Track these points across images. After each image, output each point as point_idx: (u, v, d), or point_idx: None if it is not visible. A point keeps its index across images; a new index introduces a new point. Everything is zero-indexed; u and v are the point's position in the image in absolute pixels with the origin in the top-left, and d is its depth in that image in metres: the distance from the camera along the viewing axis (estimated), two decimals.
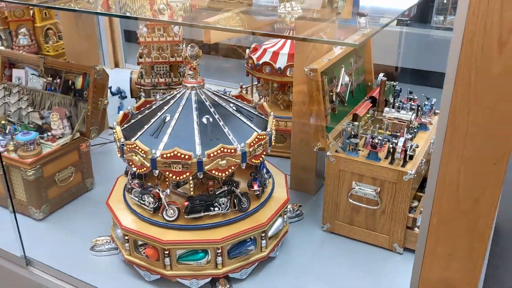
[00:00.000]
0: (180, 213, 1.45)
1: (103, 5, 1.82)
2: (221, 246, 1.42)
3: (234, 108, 1.55)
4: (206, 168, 1.36)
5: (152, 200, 1.46)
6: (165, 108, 1.49)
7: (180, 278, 1.46)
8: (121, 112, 1.62)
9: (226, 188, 1.48)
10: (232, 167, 1.39)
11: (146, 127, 1.46)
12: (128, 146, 1.38)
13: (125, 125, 1.52)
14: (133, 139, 1.41)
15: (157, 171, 1.37)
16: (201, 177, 1.40)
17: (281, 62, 2.14)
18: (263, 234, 1.49)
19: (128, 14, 1.79)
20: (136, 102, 2.45)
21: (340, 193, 1.64)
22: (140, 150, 1.36)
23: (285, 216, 1.62)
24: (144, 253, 1.45)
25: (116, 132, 1.45)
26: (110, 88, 2.94)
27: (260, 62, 2.18)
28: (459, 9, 0.69)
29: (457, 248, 0.82)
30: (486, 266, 2.05)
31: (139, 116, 1.54)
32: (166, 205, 1.44)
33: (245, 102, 1.66)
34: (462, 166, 0.77)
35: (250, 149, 1.40)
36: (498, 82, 0.69)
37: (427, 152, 1.68)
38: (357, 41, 1.04)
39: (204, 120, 1.46)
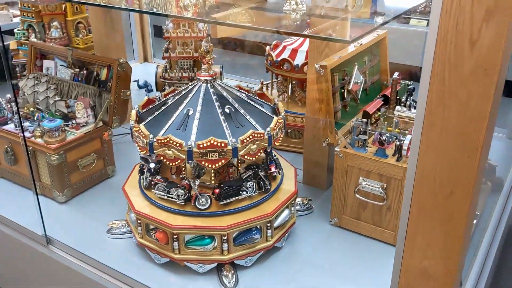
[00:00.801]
0: (212, 201, 1.52)
1: (127, 0, 1.91)
2: (227, 233, 1.48)
3: (246, 98, 1.61)
4: (240, 153, 1.44)
5: (182, 192, 1.52)
6: (185, 102, 1.56)
7: (188, 262, 1.53)
8: (146, 97, 1.71)
9: (251, 172, 1.55)
10: (261, 151, 1.47)
11: (170, 122, 1.51)
12: (160, 141, 1.44)
13: (143, 123, 1.59)
14: (161, 134, 1.47)
15: (192, 162, 1.44)
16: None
17: (299, 59, 2.18)
18: (268, 224, 1.55)
19: (154, 10, 1.88)
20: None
21: (347, 188, 1.68)
22: (174, 143, 1.42)
23: (292, 208, 1.66)
24: (154, 236, 1.53)
25: (140, 130, 1.50)
26: (138, 81, 3.06)
27: (279, 59, 2.23)
28: (433, 7, 0.72)
29: (434, 238, 0.86)
30: (498, 266, 2.04)
31: (155, 113, 1.59)
32: (198, 194, 1.51)
33: (246, 92, 1.72)
34: (438, 159, 0.80)
35: (274, 133, 1.48)
36: (470, 79, 0.72)
37: None
38: (352, 37, 1.07)
39: (227, 110, 1.52)
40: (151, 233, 1.55)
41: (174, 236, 1.49)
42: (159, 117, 1.55)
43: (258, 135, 1.47)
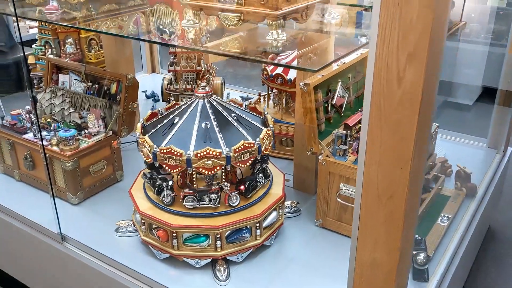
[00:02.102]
0: (240, 198, 1.74)
1: (134, 22, 2.12)
2: (220, 232, 1.68)
3: (239, 111, 1.81)
4: (233, 161, 1.64)
5: (215, 195, 1.71)
6: (184, 116, 1.74)
7: (185, 257, 1.72)
8: (149, 111, 1.92)
9: (259, 166, 1.78)
10: (251, 159, 1.68)
11: (171, 133, 1.70)
12: (162, 151, 1.63)
13: (147, 135, 1.77)
14: (163, 145, 1.66)
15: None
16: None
17: (292, 74, 2.37)
18: (257, 225, 1.74)
19: (161, 27, 2.09)
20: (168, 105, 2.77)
21: (330, 193, 1.86)
22: (175, 152, 1.61)
23: (280, 211, 1.85)
24: (156, 234, 1.73)
25: (145, 141, 1.69)
26: (145, 91, 3.28)
27: (274, 74, 2.43)
28: (370, 49, 0.91)
29: (379, 234, 1.04)
30: (477, 270, 2.21)
31: (158, 126, 1.78)
32: (230, 194, 1.72)
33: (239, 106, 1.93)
34: (379, 170, 0.99)
35: (263, 143, 1.69)
36: (398, 107, 0.91)
37: None
38: (317, 66, 1.27)
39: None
40: (154, 232, 1.75)
41: (174, 234, 1.69)
42: (162, 129, 1.75)
43: (249, 145, 1.67)
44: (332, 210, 1.89)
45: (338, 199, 1.83)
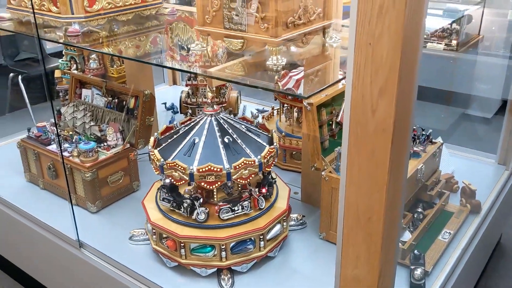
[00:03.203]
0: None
1: (152, 41, 2.25)
2: (225, 243, 1.77)
3: (245, 129, 1.91)
4: (233, 177, 1.74)
5: (247, 203, 1.83)
6: (192, 132, 1.85)
7: (193, 266, 1.82)
8: (164, 126, 2.03)
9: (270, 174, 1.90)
10: (252, 175, 1.78)
11: (179, 148, 1.80)
12: (168, 164, 1.74)
13: (158, 149, 1.88)
14: (170, 159, 1.77)
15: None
16: None
17: (302, 88, 2.45)
18: (261, 237, 1.82)
19: (179, 43, 2.21)
20: (185, 117, 2.90)
21: (333, 207, 1.93)
22: (179, 167, 1.72)
23: (284, 223, 1.93)
24: (165, 244, 1.84)
25: (155, 154, 1.79)
26: (165, 103, 3.40)
27: (285, 88, 2.51)
28: (347, 82, 0.99)
29: (360, 252, 1.12)
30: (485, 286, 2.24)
31: (169, 140, 1.88)
32: (258, 198, 1.83)
33: (250, 123, 2.03)
34: (358, 193, 1.06)
35: (264, 160, 1.78)
36: (373, 136, 0.99)
37: (414, 176, 1.93)
38: (306, 93, 1.35)
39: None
40: (163, 241, 1.85)
41: (182, 244, 1.79)
42: (171, 144, 1.86)
43: (249, 162, 1.75)
44: (335, 224, 1.95)
45: None
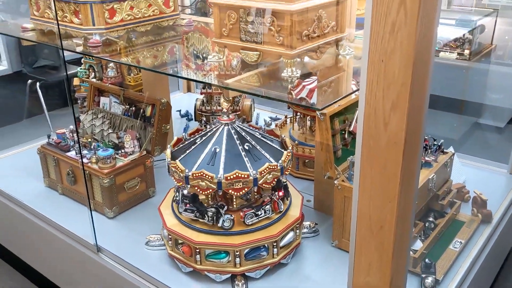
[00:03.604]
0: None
1: (169, 51, 2.31)
2: (239, 249, 1.81)
3: (259, 135, 1.96)
4: (259, 182, 1.80)
5: (269, 206, 1.89)
6: (212, 141, 1.90)
7: (207, 272, 1.86)
8: (175, 138, 2.08)
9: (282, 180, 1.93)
10: (275, 179, 1.84)
11: (201, 158, 1.85)
12: (194, 175, 1.78)
13: (178, 160, 1.91)
14: (194, 169, 1.80)
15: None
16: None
17: (315, 99, 2.49)
18: (274, 244, 1.86)
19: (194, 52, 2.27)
20: (200, 125, 2.95)
21: (345, 215, 1.97)
22: (206, 176, 1.76)
23: (297, 231, 1.97)
24: (181, 249, 1.88)
25: (177, 166, 1.82)
26: (180, 111, 3.46)
27: (298, 98, 2.55)
28: (360, 97, 1.03)
29: (372, 260, 1.15)
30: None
31: (187, 151, 1.92)
32: (278, 200, 1.90)
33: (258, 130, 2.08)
34: (371, 203, 1.10)
35: (285, 164, 1.85)
36: (385, 149, 1.03)
37: (425, 186, 1.95)
38: (320, 105, 1.40)
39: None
40: (179, 247, 1.90)
41: (197, 250, 1.84)
42: (191, 154, 1.89)
43: (273, 167, 1.81)
44: (347, 232, 1.99)
45: None
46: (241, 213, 1.85)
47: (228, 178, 1.77)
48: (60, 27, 2.05)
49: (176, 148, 2.02)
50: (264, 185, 1.82)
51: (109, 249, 2.08)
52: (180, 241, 1.90)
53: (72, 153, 2.38)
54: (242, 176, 1.77)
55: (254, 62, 1.65)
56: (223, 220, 1.84)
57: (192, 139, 1.97)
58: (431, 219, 2.05)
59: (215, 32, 1.72)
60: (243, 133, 1.93)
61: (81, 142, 2.41)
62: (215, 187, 1.78)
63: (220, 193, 1.82)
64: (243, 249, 1.82)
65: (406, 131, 0.99)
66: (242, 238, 1.83)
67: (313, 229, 2.15)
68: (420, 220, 2.02)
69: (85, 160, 2.28)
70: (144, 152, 2.38)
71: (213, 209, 1.85)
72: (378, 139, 1.03)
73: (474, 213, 2.17)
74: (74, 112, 2.24)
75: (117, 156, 2.31)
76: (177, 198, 1.96)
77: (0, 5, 4.39)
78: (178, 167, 1.84)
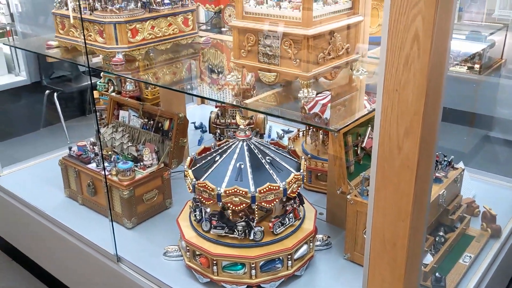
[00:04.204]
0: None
1: (187, 68, 2.40)
2: (254, 262, 1.88)
3: (276, 151, 2.03)
4: (288, 192, 1.89)
5: (291, 215, 1.98)
6: (234, 158, 1.96)
7: (224, 283, 1.93)
8: (202, 146, 2.16)
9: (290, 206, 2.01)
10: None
11: (227, 175, 1.90)
12: (227, 192, 1.83)
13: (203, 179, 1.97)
14: (225, 186, 1.86)
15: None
16: None
17: (328, 114, 2.56)
18: (289, 256, 1.93)
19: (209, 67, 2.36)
20: (214, 137, 3.03)
21: (357, 229, 2.03)
22: (240, 191, 1.82)
23: (311, 244, 2.03)
24: (199, 261, 1.95)
25: (207, 185, 1.86)
26: (194, 123, 3.55)
27: (311, 112, 2.62)
28: (375, 125, 1.10)
29: (385, 275, 1.21)
30: None
31: (210, 170, 1.96)
32: (298, 208, 2.02)
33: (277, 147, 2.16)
34: (385, 221, 1.17)
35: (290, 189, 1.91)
36: (399, 171, 1.09)
37: (436, 201, 2.01)
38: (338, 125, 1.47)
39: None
40: (197, 258, 1.97)
41: (214, 262, 1.91)
42: (215, 173, 1.94)
43: (297, 177, 1.91)
44: (359, 245, 2.05)
45: (365, 236, 1.99)
46: (270, 224, 1.93)
47: (262, 191, 1.84)
48: (83, 45, 2.14)
49: (199, 157, 2.09)
50: (290, 194, 1.90)
51: (128, 259, 2.16)
52: (197, 253, 1.97)
53: (92, 165, 2.47)
54: (274, 188, 1.85)
55: (271, 82, 1.72)
56: (254, 233, 1.91)
57: (210, 158, 2.02)
58: (441, 233, 2.10)
59: (233, 53, 1.80)
60: (261, 147, 2.01)
61: (103, 155, 2.50)
62: (249, 201, 1.85)
63: (253, 207, 1.89)
64: (258, 261, 1.89)
65: (419, 155, 1.06)
66: (258, 251, 1.90)
67: (326, 242, 2.21)
68: (431, 234, 2.08)
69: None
70: (162, 165, 2.46)
71: (243, 223, 1.92)
72: (392, 162, 1.10)
73: (483, 227, 2.22)
74: (98, 126, 2.32)
75: (136, 168, 2.40)
76: (198, 217, 2.01)
77: (19, 16, 4.52)
78: (208, 186, 1.88)
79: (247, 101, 1.68)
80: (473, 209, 2.34)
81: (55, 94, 4.58)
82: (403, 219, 1.13)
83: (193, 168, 2.00)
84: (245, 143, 2.00)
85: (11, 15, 4.64)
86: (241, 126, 2.02)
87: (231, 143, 2.03)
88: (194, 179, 1.92)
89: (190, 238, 1.99)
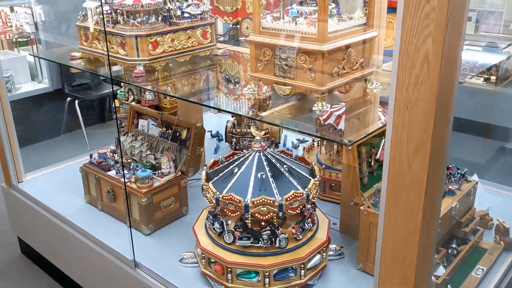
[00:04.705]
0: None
1: (205, 79, 2.46)
2: (268, 270, 1.92)
3: (290, 161, 2.08)
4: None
5: (309, 220, 2.04)
6: (254, 169, 2.00)
7: None
8: (212, 160, 2.21)
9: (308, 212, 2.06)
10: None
11: (251, 186, 1.95)
12: (255, 202, 1.87)
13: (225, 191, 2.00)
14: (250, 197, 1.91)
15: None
16: None
17: (343, 125, 2.60)
18: (302, 265, 1.97)
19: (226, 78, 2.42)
20: (230, 146, 3.08)
21: (370, 240, 2.05)
22: (268, 201, 1.88)
23: (324, 254, 2.07)
24: (213, 268, 2.00)
25: (233, 197, 1.90)
26: (211, 131, 3.61)
27: (326, 123, 2.66)
28: (386, 140, 1.14)
29: (395, 286, 1.25)
30: None
31: (232, 181, 2.00)
32: (313, 212, 2.08)
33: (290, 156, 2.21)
34: (395, 236, 1.20)
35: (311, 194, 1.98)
36: (409, 187, 1.13)
37: (448, 214, 2.03)
38: (352, 138, 1.51)
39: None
40: (212, 265, 2.02)
41: (228, 269, 1.95)
42: (237, 184, 1.99)
43: (316, 183, 1.98)
44: (371, 256, 2.07)
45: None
46: (293, 230, 1.99)
47: (288, 199, 1.89)
48: (106, 57, 2.22)
49: (211, 170, 2.14)
50: (312, 199, 1.97)
51: (145, 264, 2.21)
52: (212, 260, 2.02)
53: (112, 172, 2.54)
54: (299, 195, 1.90)
55: (286, 95, 1.77)
56: (279, 240, 1.96)
57: (227, 170, 2.07)
58: (454, 245, 2.12)
59: (250, 66, 1.85)
60: (277, 157, 2.06)
61: (121, 162, 2.57)
62: (276, 209, 1.90)
63: (280, 215, 1.94)
64: (272, 270, 1.93)
65: (428, 172, 1.10)
66: (272, 260, 1.94)
67: (339, 252, 2.24)
68: (443, 246, 2.10)
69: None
70: (179, 173, 2.52)
71: (268, 232, 1.96)
72: (402, 177, 1.14)
73: (496, 240, 2.23)
74: (119, 135, 2.39)
75: (154, 176, 2.46)
76: (219, 230, 2.03)
77: (43, 25, 4.65)
78: (235, 198, 1.92)
79: (263, 113, 1.73)
80: (486, 221, 2.35)
81: (76, 101, 4.69)
82: (413, 234, 1.16)
83: (210, 182, 2.05)
84: (261, 153, 2.05)
85: (35, 24, 4.79)
86: (257, 137, 2.07)
87: (247, 154, 2.08)
88: (217, 192, 1.96)
89: (206, 246, 2.04)
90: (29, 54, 4.18)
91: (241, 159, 2.07)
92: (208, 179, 2.08)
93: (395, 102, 1.10)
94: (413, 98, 1.07)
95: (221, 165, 2.15)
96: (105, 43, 2.21)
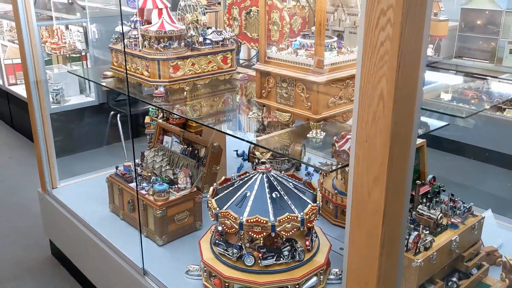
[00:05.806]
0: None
1: (224, 101, 2.60)
2: None
3: (292, 186, 2.16)
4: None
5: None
6: (267, 190, 2.11)
7: None
8: (223, 177, 2.33)
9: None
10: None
11: (249, 205, 2.04)
12: (249, 221, 1.97)
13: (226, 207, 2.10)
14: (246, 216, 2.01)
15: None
16: None
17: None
18: (297, 286, 2.03)
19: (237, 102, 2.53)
20: (252, 167, 3.18)
21: None
22: (261, 221, 1.96)
23: (321, 276, 2.12)
24: (213, 281, 2.10)
25: (230, 214, 2.01)
26: (237, 151, 3.74)
27: (341, 150, 2.72)
28: (349, 171, 1.22)
29: None
30: None
31: (233, 198, 2.11)
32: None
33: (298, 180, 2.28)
34: (359, 261, 1.27)
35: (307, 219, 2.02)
36: (370, 214, 1.19)
37: (447, 246, 2.03)
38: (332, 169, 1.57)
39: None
40: (212, 279, 2.12)
41: (226, 284, 2.05)
42: (236, 202, 2.10)
43: (314, 208, 2.05)
44: None
45: None
46: (307, 242, 2.10)
47: (281, 220, 1.97)
48: (132, 77, 2.41)
49: (221, 187, 2.25)
50: (307, 224, 2.04)
51: (153, 273, 2.35)
52: (213, 274, 2.12)
53: (133, 184, 2.71)
54: (292, 218, 1.98)
55: (286, 122, 1.87)
56: (298, 253, 2.06)
57: (232, 188, 2.18)
58: (454, 279, 2.11)
59: (256, 92, 1.97)
60: (280, 179, 2.16)
61: (142, 175, 2.74)
62: (269, 230, 1.97)
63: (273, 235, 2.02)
64: (266, 287, 2.01)
65: (385, 202, 1.16)
66: (268, 278, 2.02)
67: (340, 276, 2.28)
68: (442, 279, 2.09)
69: (143, 192, 2.60)
70: (195, 189, 2.65)
71: (288, 247, 2.06)
72: (364, 205, 1.20)
73: (502, 277, 2.20)
74: (134, 147, 2.56)
75: (171, 190, 2.60)
76: (237, 255, 2.08)
77: (94, 42, 4.99)
78: (231, 214, 2.00)
79: (259, 138, 1.84)
80: (495, 258, 2.32)
81: (118, 115, 4.97)
82: (373, 261, 1.22)
83: (215, 198, 2.16)
84: (264, 175, 2.15)
85: (86, 41, 5.14)
86: (262, 160, 2.17)
87: (251, 175, 2.18)
88: (217, 208, 2.08)
89: (207, 260, 2.15)
90: (68, 72, 4.50)
91: (246, 179, 2.18)
92: (215, 195, 2.19)
93: (357, 134, 1.18)
94: (371, 132, 1.14)
95: (229, 183, 2.27)
96: (132, 65, 2.40)
